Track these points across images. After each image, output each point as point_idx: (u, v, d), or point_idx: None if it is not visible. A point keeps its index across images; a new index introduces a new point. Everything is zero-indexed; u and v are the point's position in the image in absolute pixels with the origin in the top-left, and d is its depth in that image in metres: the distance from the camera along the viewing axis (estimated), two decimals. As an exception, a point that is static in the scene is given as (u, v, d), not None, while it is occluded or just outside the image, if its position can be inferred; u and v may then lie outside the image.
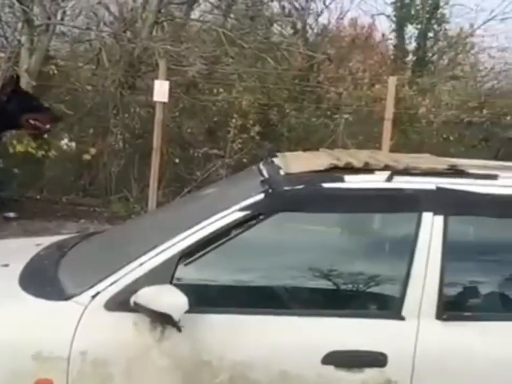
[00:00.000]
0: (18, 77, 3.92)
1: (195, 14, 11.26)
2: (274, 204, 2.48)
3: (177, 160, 9.14)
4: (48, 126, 3.74)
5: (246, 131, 9.18)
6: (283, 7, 11.40)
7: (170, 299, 2.26)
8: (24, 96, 3.73)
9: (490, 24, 12.79)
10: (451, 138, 10.33)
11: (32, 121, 3.64)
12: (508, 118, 10.27)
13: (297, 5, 11.53)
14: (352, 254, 2.77)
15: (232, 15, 10.80)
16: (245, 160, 8.89)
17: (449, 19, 12.93)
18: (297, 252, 2.75)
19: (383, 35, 13.02)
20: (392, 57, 12.73)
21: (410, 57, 13.04)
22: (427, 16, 12.63)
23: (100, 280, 2.41)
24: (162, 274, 2.36)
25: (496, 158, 7.22)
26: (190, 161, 9.37)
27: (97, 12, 9.85)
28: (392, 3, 13.03)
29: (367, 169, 2.58)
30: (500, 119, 10.36)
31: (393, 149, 8.69)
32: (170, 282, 2.35)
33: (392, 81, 8.46)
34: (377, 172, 2.57)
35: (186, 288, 2.30)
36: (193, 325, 2.31)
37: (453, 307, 2.46)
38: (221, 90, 9.55)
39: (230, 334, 2.34)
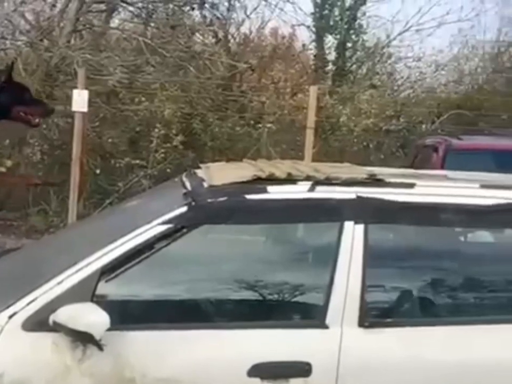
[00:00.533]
0: (13, 66, 3.72)
1: (115, 23, 11.10)
2: (197, 216, 2.46)
3: (98, 171, 8.95)
4: (37, 120, 3.55)
5: (169, 141, 9.10)
6: (204, 16, 11.40)
7: (90, 317, 2.19)
8: (18, 86, 3.54)
9: (405, 35, 13.27)
10: (371, 146, 10.61)
11: (23, 114, 3.47)
12: (423, 126, 10.67)
13: (218, 15, 11.56)
14: (277, 264, 2.78)
15: (152, 24, 10.71)
16: (168, 170, 8.81)
17: (367, 30, 13.31)
18: (221, 264, 2.75)
19: (303, 45, 13.24)
20: (313, 67, 12.95)
21: (330, 67, 13.31)
22: (345, 27, 12.93)
23: (17, 300, 2.31)
24: (82, 292, 2.29)
25: (412, 165, 7.45)
26: (112, 172, 9.19)
27: (13, 20, 9.54)
28: (311, 14, 13.28)
29: (290, 179, 2.60)
30: (416, 127, 10.73)
31: (315, 157, 8.83)
32: (91, 300, 2.28)
33: (313, 90, 8.60)
34: (299, 183, 2.59)
35: (107, 306, 2.25)
36: (116, 342, 2.25)
37: (375, 314, 2.51)
38: (143, 99, 9.43)
39: (153, 351, 2.30)
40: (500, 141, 7.39)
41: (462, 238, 3.15)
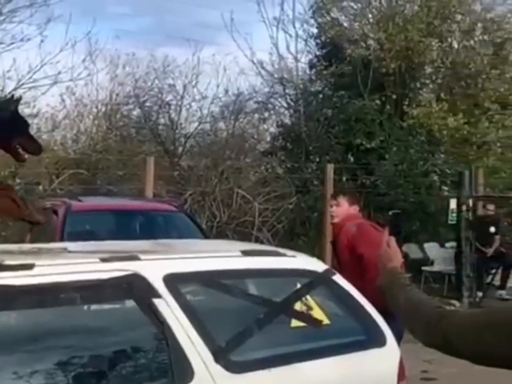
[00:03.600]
0: (21, 98, 3.76)
1: None
2: None
3: None
4: (26, 156, 3.39)
5: None
6: None
7: None
8: (22, 119, 3.37)
9: (20, 91, 12.92)
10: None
11: (19, 147, 3.27)
12: (40, 187, 10.42)
13: None
14: None
15: None
16: None
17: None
18: None
19: None
20: None
21: None
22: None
23: None
24: None
25: (31, 230, 7.20)
26: None
27: None
28: None
29: None
30: (34, 188, 10.45)
31: None
32: None
33: None
34: None
35: None
36: None
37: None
38: None
39: None
40: (117, 201, 7.78)
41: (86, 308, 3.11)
